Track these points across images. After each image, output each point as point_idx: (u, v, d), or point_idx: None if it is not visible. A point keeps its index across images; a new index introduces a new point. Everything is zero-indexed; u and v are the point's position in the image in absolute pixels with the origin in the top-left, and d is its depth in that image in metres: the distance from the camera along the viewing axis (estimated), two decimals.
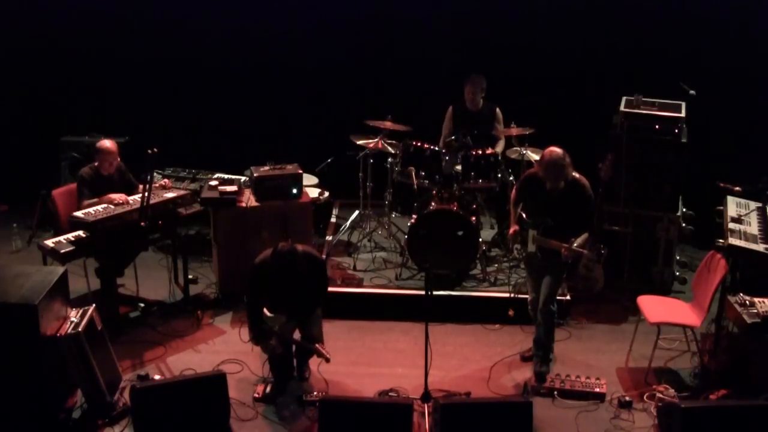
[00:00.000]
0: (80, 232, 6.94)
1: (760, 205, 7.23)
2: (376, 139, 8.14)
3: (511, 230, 6.71)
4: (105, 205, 7.12)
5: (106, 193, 7.28)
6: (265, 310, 6.58)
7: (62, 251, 6.79)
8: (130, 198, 7.29)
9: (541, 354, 6.71)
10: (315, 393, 6.38)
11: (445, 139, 8.22)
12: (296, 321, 6.59)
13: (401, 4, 9.18)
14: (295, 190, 7.84)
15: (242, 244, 7.62)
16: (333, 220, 8.99)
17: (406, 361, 6.88)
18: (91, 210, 7.04)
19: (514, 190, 6.85)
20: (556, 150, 6.31)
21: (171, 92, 9.38)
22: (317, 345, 6.45)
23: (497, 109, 8.27)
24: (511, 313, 7.40)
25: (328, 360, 6.42)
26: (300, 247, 6.49)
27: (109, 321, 6.69)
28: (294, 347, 6.57)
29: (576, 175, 6.41)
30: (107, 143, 7.47)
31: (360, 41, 9.24)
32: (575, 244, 6.36)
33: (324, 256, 8.14)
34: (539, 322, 6.68)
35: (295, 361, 6.64)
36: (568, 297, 7.53)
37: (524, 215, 6.57)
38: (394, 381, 6.60)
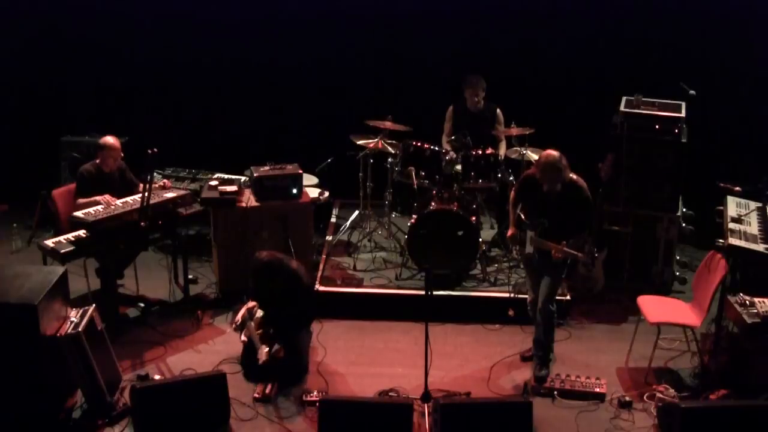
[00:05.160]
0: (80, 232, 6.94)
1: (760, 205, 7.23)
2: (376, 139, 8.13)
3: (509, 232, 6.72)
4: (104, 205, 7.12)
5: (105, 191, 7.28)
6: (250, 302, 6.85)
7: (62, 251, 6.79)
8: (130, 198, 7.29)
9: (540, 354, 6.71)
10: (315, 393, 6.38)
11: (446, 138, 8.23)
12: (273, 324, 6.73)
13: (401, 3, 9.18)
14: (295, 190, 7.83)
15: (242, 244, 7.62)
16: (333, 220, 9.00)
17: (406, 361, 6.88)
18: (91, 210, 7.03)
19: (512, 192, 6.86)
20: (553, 153, 6.33)
21: (171, 92, 9.38)
22: (259, 345, 6.53)
23: (498, 110, 8.25)
24: (511, 313, 7.39)
25: (258, 361, 6.50)
26: (293, 265, 6.72)
27: (109, 321, 6.69)
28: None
29: (573, 176, 6.41)
30: (111, 140, 7.46)
31: (360, 41, 9.24)
32: (570, 246, 6.35)
33: (324, 256, 8.16)
34: (538, 322, 6.68)
35: None
36: (568, 297, 7.53)
37: (523, 217, 6.57)
38: (394, 381, 6.60)
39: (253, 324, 6.69)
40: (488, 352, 7.09)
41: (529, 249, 6.56)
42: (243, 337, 6.77)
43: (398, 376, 6.68)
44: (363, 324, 7.45)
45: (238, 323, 6.82)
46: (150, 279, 7.93)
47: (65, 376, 6.00)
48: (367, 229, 8.45)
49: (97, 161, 7.47)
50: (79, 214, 6.97)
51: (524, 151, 7.97)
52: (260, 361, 6.45)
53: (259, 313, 6.77)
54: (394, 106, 8.32)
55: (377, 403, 6.10)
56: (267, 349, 6.48)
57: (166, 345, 7.07)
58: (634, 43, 8.92)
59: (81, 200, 7.25)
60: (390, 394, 6.43)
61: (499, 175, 7.92)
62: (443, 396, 6.35)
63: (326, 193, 8.56)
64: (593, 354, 7.10)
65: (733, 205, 7.28)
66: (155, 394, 5.93)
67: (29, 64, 9.40)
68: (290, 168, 7.90)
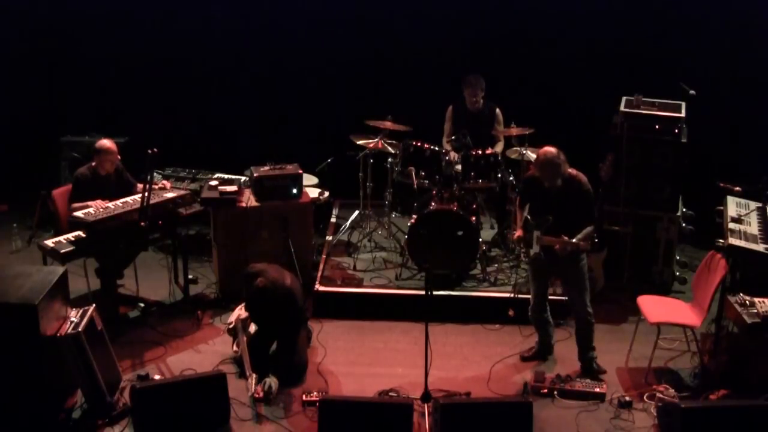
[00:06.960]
0: (80, 232, 6.94)
1: (760, 205, 7.23)
2: (376, 139, 8.13)
3: (516, 234, 6.71)
4: (105, 205, 7.12)
5: (102, 193, 7.27)
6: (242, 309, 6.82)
7: (62, 251, 6.79)
8: (130, 198, 7.30)
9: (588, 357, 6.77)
10: (315, 393, 6.38)
11: (447, 138, 8.24)
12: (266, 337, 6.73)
13: (401, 3, 9.19)
14: (295, 190, 7.84)
15: (242, 244, 7.62)
16: (333, 220, 9.00)
17: (406, 361, 6.88)
18: (91, 210, 7.03)
19: (517, 196, 6.87)
20: (550, 149, 6.35)
21: (171, 92, 9.38)
22: (249, 372, 6.42)
23: (497, 110, 8.26)
24: (511, 313, 7.39)
25: (249, 392, 6.38)
26: (287, 283, 6.56)
27: (109, 321, 6.69)
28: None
29: (572, 171, 6.42)
30: (107, 143, 7.46)
31: (360, 41, 9.24)
32: (574, 239, 6.33)
33: (324, 256, 8.16)
34: (546, 321, 6.75)
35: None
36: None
37: (529, 217, 6.57)
38: (394, 381, 6.59)
39: (245, 339, 6.65)
40: (488, 352, 7.09)
41: (535, 248, 6.52)
42: (235, 347, 6.76)
43: (398, 376, 6.68)
44: (363, 324, 7.44)
45: (231, 327, 6.81)
46: (150, 279, 7.93)
47: (65, 376, 6.00)
48: (367, 229, 8.45)
49: (93, 164, 7.46)
50: (79, 214, 6.97)
51: (524, 151, 7.97)
52: (248, 393, 6.36)
53: (252, 327, 6.75)
54: (394, 106, 8.32)
55: (377, 403, 6.09)
56: (255, 377, 6.38)
57: (166, 345, 7.07)
58: (634, 43, 8.92)
59: (74, 205, 7.25)
60: (390, 394, 6.43)
61: (499, 175, 7.92)
62: (443, 396, 6.35)
63: (326, 193, 8.57)
64: None
65: (733, 205, 7.28)
66: (155, 394, 5.92)
67: (29, 64, 9.40)
68: (290, 168, 7.90)
